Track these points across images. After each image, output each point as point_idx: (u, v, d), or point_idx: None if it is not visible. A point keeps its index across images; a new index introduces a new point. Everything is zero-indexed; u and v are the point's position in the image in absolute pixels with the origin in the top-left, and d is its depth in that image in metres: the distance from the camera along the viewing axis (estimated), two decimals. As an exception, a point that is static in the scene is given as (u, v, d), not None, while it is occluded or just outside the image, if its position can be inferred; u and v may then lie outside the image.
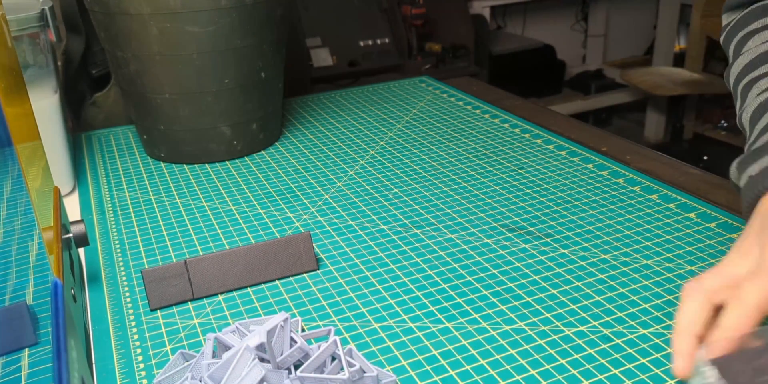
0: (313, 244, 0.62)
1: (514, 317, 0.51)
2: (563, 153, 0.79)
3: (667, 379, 0.44)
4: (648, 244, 0.59)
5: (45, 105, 0.73)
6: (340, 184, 0.74)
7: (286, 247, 0.57)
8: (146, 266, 0.60)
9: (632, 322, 0.50)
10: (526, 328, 0.50)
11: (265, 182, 0.75)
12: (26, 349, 0.33)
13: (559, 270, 0.56)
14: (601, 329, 0.49)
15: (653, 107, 2.58)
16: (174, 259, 0.61)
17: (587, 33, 2.91)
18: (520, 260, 0.58)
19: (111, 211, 0.70)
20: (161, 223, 0.67)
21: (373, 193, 0.71)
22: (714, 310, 0.41)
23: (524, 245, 0.60)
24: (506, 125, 0.88)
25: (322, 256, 0.60)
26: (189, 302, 0.55)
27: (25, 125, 0.50)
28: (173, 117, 0.78)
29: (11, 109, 0.43)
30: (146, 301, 0.55)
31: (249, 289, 0.56)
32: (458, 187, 0.71)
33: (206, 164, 0.81)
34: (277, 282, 0.57)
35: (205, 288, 0.55)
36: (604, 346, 0.48)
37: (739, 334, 0.38)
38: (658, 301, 0.52)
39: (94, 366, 0.49)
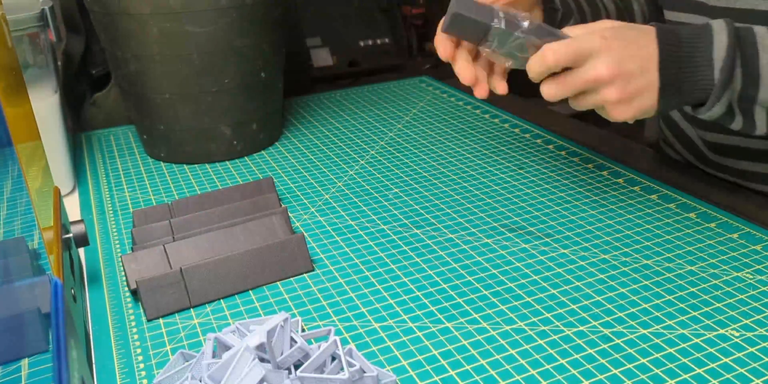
0: (314, 244, 0.62)
1: (514, 317, 0.51)
2: (563, 153, 0.79)
3: (667, 379, 0.44)
4: (648, 244, 0.59)
5: (45, 105, 0.73)
6: (340, 184, 0.74)
7: (281, 250, 0.57)
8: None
9: (632, 322, 0.50)
10: (526, 328, 0.50)
11: (265, 182, 0.75)
12: (26, 349, 0.33)
13: (559, 270, 0.56)
14: (601, 329, 0.49)
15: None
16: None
17: (587, 33, 2.90)
18: (520, 260, 0.58)
19: (111, 211, 0.70)
20: (161, 223, 0.67)
21: (373, 193, 0.71)
22: None
23: (524, 245, 0.60)
24: (506, 125, 0.88)
25: (322, 256, 0.60)
26: (189, 302, 0.55)
27: (25, 125, 0.50)
28: (173, 117, 0.78)
29: (11, 109, 0.43)
30: (146, 301, 0.55)
31: (249, 290, 0.56)
32: (458, 187, 0.71)
33: (206, 164, 0.81)
34: (277, 282, 0.57)
35: (202, 295, 0.54)
36: (604, 346, 0.48)
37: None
38: (658, 301, 0.52)
39: (94, 366, 0.49)
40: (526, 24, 0.53)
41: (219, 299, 0.55)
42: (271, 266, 0.57)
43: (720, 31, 0.52)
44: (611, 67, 0.50)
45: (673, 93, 0.53)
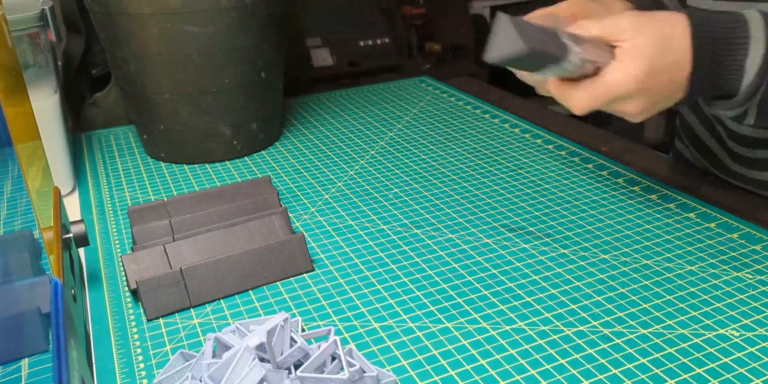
0: (314, 244, 0.62)
1: (514, 317, 0.51)
2: (563, 153, 0.79)
3: (667, 379, 0.44)
4: (648, 244, 0.59)
5: (45, 105, 0.73)
6: (340, 184, 0.74)
7: (281, 250, 0.57)
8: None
9: (632, 322, 0.50)
10: (526, 328, 0.50)
11: (265, 182, 0.75)
12: (26, 349, 0.33)
13: (559, 270, 0.56)
14: (601, 329, 0.49)
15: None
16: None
17: (587, 33, 2.90)
18: (520, 260, 0.58)
19: (111, 211, 0.70)
20: (161, 223, 0.67)
21: (373, 193, 0.71)
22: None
23: (524, 245, 0.60)
24: (506, 125, 0.88)
25: (322, 256, 0.60)
26: (189, 302, 0.55)
27: (25, 125, 0.50)
28: (173, 117, 0.78)
29: (11, 109, 0.43)
30: (146, 301, 0.55)
31: (249, 290, 0.56)
32: (458, 187, 0.71)
33: (206, 164, 0.81)
34: (277, 282, 0.57)
35: (202, 295, 0.54)
36: (604, 346, 0.48)
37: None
38: (658, 301, 0.52)
39: (94, 366, 0.49)
40: (577, 48, 0.48)
41: (219, 299, 0.55)
42: (271, 266, 0.57)
43: (758, 39, 0.51)
44: (639, 83, 0.50)
45: (696, 95, 0.53)
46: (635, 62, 0.49)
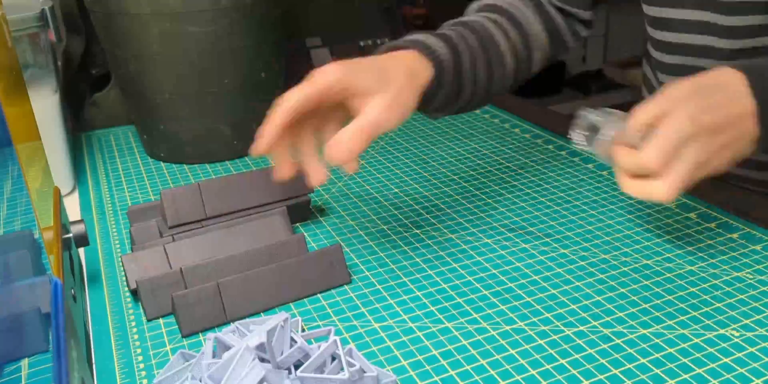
0: (314, 244, 0.62)
1: (514, 317, 0.51)
2: (563, 153, 0.79)
3: (667, 379, 0.44)
4: (648, 244, 0.59)
5: (45, 105, 0.73)
6: (340, 184, 0.74)
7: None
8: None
9: (632, 322, 0.50)
10: (526, 328, 0.50)
11: (265, 182, 0.75)
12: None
13: (559, 270, 0.56)
14: (601, 329, 0.49)
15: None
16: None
17: (587, 33, 2.90)
18: (520, 260, 0.58)
19: (111, 211, 0.70)
20: (161, 223, 0.67)
21: (373, 193, 0.71)
22: None
23: (524, 245, 0.60)
24: (506, 125, 0.88)
25: (322, 256, 0.60)
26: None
27: (25, 125, 0.50)
28: (173, 117, 0.78)
29: (11, 109, 0.43)
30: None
31: (249, 289, 0.56)
32: (458, 187, 0.71)
33: (206, 164, 0.81)
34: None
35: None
36: (604, 346, 0.48)
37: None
38: (658, 301, 0.52)
39: (94, 366, 0.49)
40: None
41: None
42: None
43: None
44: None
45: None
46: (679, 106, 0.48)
